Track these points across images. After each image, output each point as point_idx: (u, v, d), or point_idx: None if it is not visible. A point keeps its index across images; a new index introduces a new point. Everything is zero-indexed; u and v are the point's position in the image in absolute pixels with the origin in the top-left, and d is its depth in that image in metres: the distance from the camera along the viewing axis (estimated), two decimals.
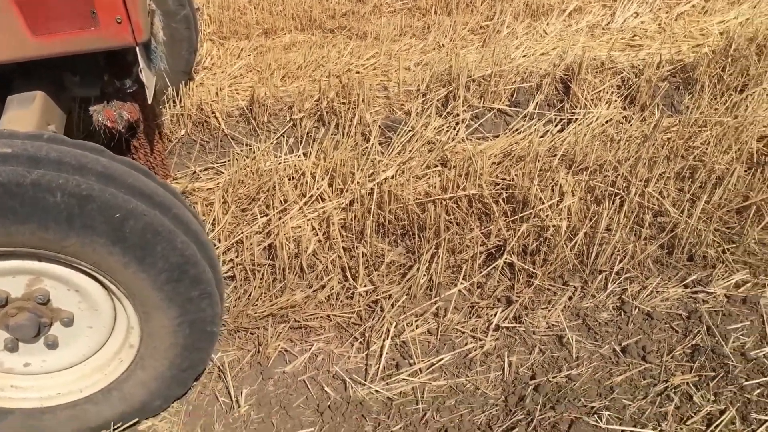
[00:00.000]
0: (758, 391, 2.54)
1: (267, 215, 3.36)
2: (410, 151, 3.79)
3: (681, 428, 2.42)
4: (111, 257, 2.02)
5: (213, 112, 4.14)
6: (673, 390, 2.56)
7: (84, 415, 2.37)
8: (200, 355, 2.35)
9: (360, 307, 2.96)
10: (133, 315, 2.22)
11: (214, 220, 3.35)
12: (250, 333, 2.87)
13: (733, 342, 2.75)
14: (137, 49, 2.55)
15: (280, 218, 3.32)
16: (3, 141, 1.95)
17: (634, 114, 4.28)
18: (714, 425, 2.41)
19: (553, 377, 2.64)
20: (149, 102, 2.88)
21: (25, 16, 2.26)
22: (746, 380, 2.58)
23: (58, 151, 1.97)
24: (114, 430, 2.40)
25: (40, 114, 2.55)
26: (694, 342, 2.77)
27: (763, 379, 2.58)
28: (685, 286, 3.06)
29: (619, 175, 3.54)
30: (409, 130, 3.95)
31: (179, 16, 3.91)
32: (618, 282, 3.07)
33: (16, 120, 2.46)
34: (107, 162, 2.05)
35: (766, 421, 2.41)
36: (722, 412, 2.46)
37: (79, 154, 2.00)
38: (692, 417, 2.45)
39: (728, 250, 3.24)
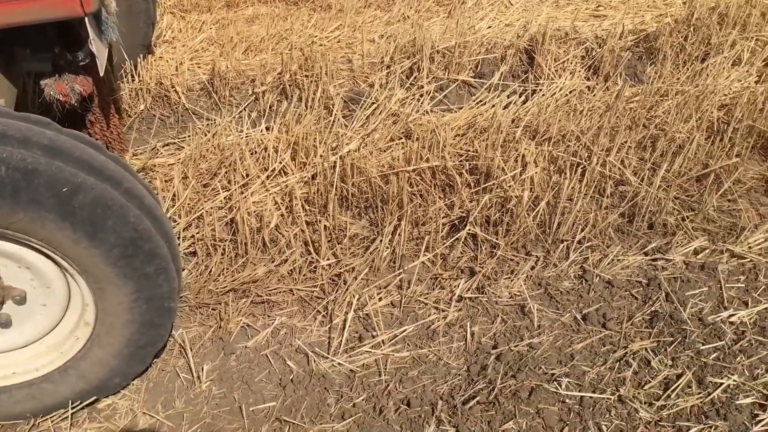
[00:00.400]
0: (714, 355, 2.58)
1: (228, 190, 3.32)
2: (374, 123, 3.76)
3: (639, 393, 2.46)
4: (60, 233, 1.98)
5: (173, 86, 4.07)
6: (631, 356, 2.60)
7: (41, 394, 2.34)
8: (159, 332, 2.33)
9: (323, 280, 2.94)
10: (88, 292, 2.18)
11: (174, 195, 3.30)
12: (212, 309, 2.85)
13: (691, 308, 2.79)
14: (86, 19, 2.47)
15: (241, 193, 3.28)
16: None
17: (597, 84, 4.28)
18: (671, 389, 2.45)
19: (514, 346, 2.66)
20: (101, 74, 2.81)
21: None
22: (703, 345, 2.63)
23: (2, 123, 1.91)
24: (72, 408, 2.37)
25: None
26: (653, 308, 2.81)
27: (720, 343, 2.63)
28: (645, 254, 3.10)
29: (581, 144, 3.56)
30: (373, 103, 3.91)
31: None
32: (579, 251, 3.10)
33: None
34: (53, 135, 1.99)
35: (721, 384, 2.46)
36: (679, 376, 2.50)
37: (23, 127, 1.94)
38: (650, 381, 2.49)
39: (687, 217, 3.28)
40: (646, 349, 2.63)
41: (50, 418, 2.38)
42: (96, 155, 2.06)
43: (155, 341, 2.36)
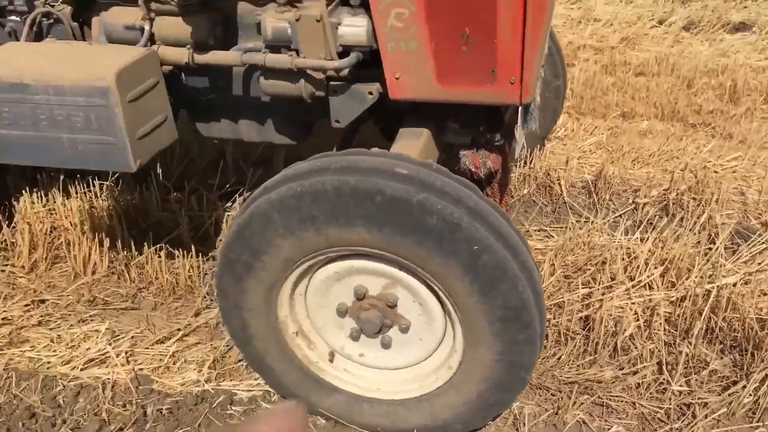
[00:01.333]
0: None
1: (590, 288, 3.39)
2: (759, 263, 3.52)
3: None
4: (460, 283, 2.26)
5: (558, 179, 4.32)
6: None
7: (395, 416, 2.64)
8: (508, 396, 2.48)
9: (670, 405, 2.83)
10: (460, 340, 2.43)
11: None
12: (551, 394, 2.92)
13: None
14: (519, 108, 2.81)
15: (603, 294, 3.33)
16: (401, 163, 2.32)
17: None
18: None
19: None
20: (515, 157, 3.13)
21: (438, 66, 2.63)
22: None
23: (443, 181, 2.27)
24: None
25: (423, 148, 2.94)
26: None
27: None
28: None
29: None
30: (763, 243, 3.67)
31: (552, 86, 4.18)
32: None
33: (405, 149, 2.87)
34: (477, 200, 2.30)
35: None
36: None
37: (457, 187, 2.29)
38: None
39: None
40: None
41: None
42: (505, 225, 2.32)
43: (502, 404, 2.52)
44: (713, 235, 3.77)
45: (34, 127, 2.59)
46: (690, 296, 3.19)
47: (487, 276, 2.21)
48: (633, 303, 3.27)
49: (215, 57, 2.82)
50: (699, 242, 3.67)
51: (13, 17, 3.13)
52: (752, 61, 6.13)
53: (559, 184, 4.31)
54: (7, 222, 3.87)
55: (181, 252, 3.54)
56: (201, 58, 2.81)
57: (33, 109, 2.55)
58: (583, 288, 3.41)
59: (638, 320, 3.19)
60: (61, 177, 4.06)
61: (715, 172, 4.45)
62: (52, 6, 3.00)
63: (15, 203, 3.96)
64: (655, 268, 3.45)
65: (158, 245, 3.59)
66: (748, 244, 3.65)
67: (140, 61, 2.61)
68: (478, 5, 2.42)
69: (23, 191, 3.91)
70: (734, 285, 3.26)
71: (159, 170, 4.17)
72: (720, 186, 4.02)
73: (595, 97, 5.65)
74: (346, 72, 2.70)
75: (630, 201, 4.18)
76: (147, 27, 2.82)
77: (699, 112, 5.42)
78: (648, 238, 3.72)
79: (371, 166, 2.29)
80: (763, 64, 6.02)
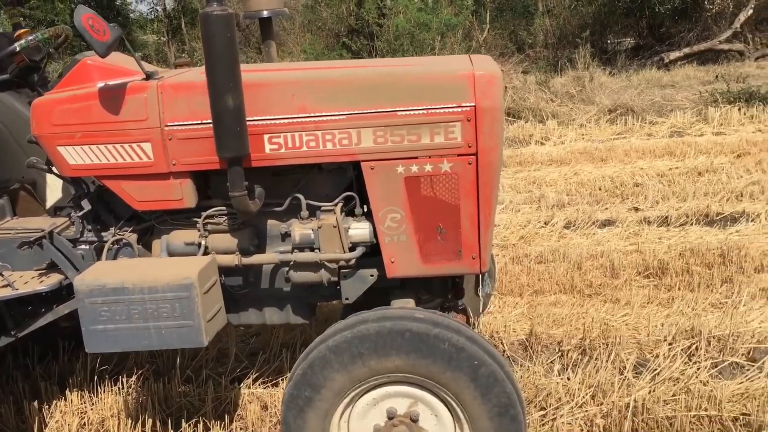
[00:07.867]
0: None
1: (544, 411, 4.41)
2: (659, 380, 4.72)
3: None
4: (467, 391, 3.27)
5: (500, 339, 5.47)
6: None
7: None
8: None
9: None
10: None
11: None
12: None
13: None
14: (480, 276, 4.02)
15: (554, 415, 4.36)
16: (418, 309, 3.44)
17: None
18: None
19: None
20: (477, 316, 4.28)
21: (421, 251, 3.82)
22: None
23: (447, 319, 3.38)
24: None
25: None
26: None
27: None
28: None
29: None
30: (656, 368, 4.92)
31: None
32: None
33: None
34: (470, 331, 3.40)
35: None
36: None
37: (456, 324, 3.39)
38: None
39: None
40: None
41: None
42: (491, 348, 3.41)
43: None
44: (622, 365, 4.98)
45: (127, 321, 3.39)
46: (616, 407, 4.28)
47: (484, 382, 3.25)
48: (576, 418, 4.32)
49: (258, 259, 3.91)
50: (613, 374, 4.84)
51: (83, 246, 4.11)
52: (621, 246, 7.80)
53: (502, 343, 5.45)
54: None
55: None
56: (247, 260, 3.88)
57: (128, 306, 3.39)
58: (537, 412, 4.44)
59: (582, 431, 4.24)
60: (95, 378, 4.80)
61: (613, 325, 5.76)
62: (122, 235, 4.03)
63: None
64: (587, 390, 4.55)
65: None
66: (647, 368, 4.86)
67: (208, 264, 3.65)
68: (446, 208, 3.69)
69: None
70: (648, 393, 4.40)
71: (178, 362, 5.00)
72: (619, 331, 5.30)
73: (511, 281, 7.02)
74: (354, 261, 3.83)
75: (557, 350, 5.36)
76: (203, 242, 3.89)
77: (591, 286, 6.86)
78: (577, 373, 4.87)
79: (399, 314, 3.38)
80: (630, 249, 7.70)
